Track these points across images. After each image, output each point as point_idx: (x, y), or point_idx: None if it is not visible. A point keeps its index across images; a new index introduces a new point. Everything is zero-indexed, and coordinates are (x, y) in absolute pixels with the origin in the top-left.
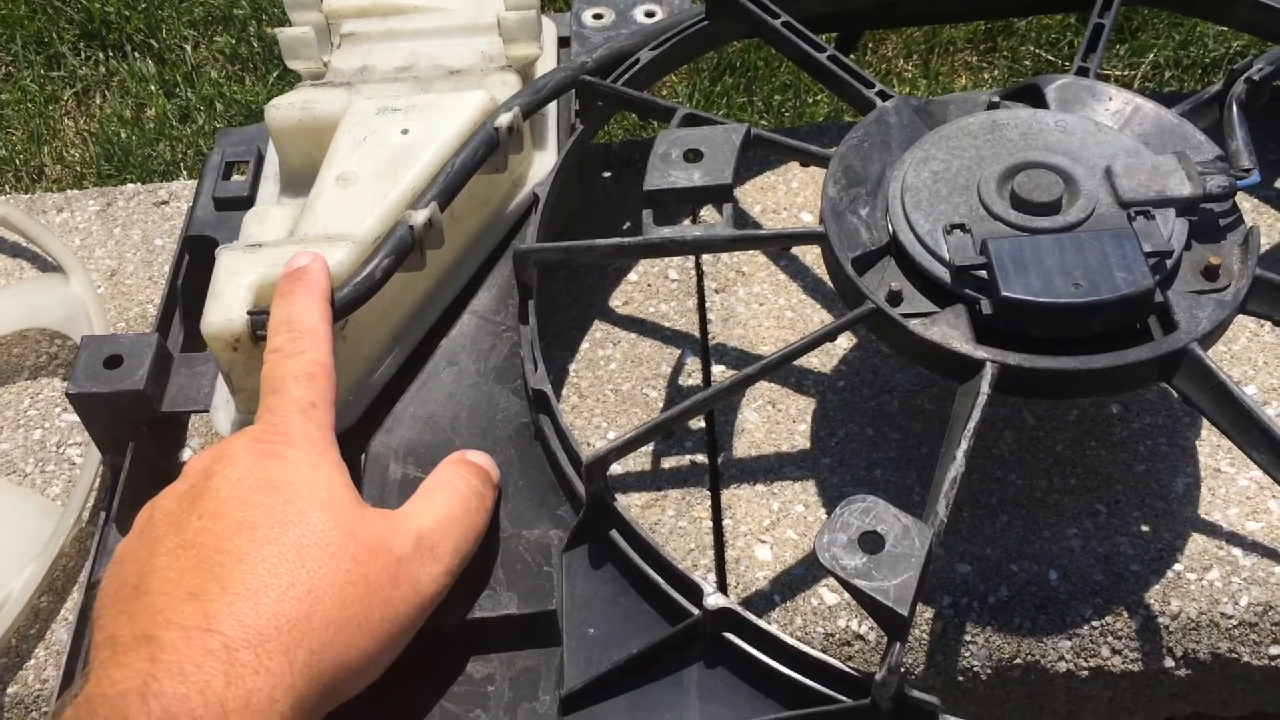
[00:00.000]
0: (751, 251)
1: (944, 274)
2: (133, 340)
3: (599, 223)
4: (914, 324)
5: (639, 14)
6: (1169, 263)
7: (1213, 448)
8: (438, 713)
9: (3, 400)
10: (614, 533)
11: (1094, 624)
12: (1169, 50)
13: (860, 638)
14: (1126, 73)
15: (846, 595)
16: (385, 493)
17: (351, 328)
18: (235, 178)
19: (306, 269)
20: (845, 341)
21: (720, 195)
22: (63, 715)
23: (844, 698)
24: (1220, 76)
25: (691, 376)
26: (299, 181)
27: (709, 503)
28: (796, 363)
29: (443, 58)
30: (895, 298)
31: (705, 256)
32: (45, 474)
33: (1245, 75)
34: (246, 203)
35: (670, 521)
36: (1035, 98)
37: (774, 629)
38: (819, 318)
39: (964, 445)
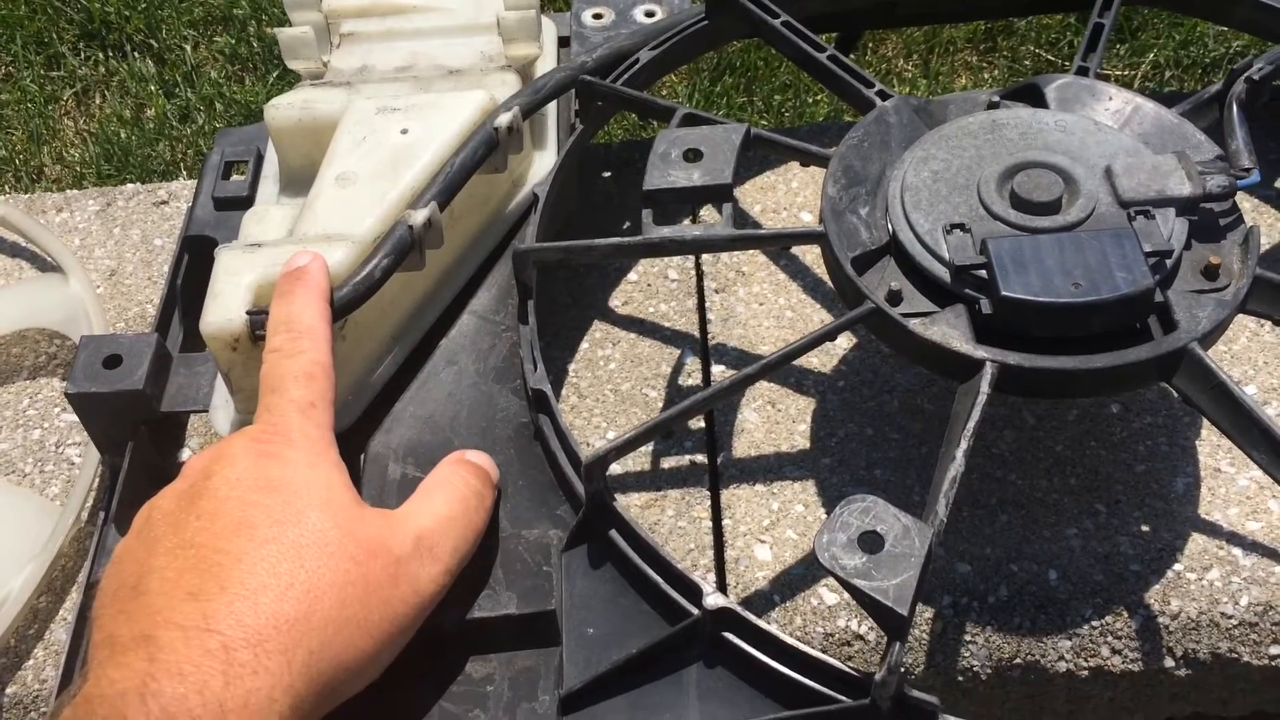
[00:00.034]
0: (751, 251)
1: (944, 274)
2: (132, 340)
3: (599, 222)
4: (914, 324)
5: (639, 14)
6: (1169, 262)
7: (1213, 447)
8: (437, 712)
9: (2, 400)
10: (613, 532)
11: (1094, 624)
12: (1169, 50)
13: (860, 638)
14: (1127, 72)
15: (846, 595)
16: (384, 492)
17: (351, 327)
18: (235, 177)
19: (306, 269)
20: (845, 341)
21: (720, 195)
22: (61, 715)
23: (844, 698)
24: (1220, 76)
25: (691, 376)
26: (298, 181)
27: (708, 502)
28: (796, 362)
29: (442, 57)
30: (895, 297)
31: (705, 256)
32: (44, 474)
33: (1245, 75)
34: (246, 203)
35: (670, 521)
36: (1035, 97)
37: (773, 629)
38: (819, 317)
39: (964, 445)
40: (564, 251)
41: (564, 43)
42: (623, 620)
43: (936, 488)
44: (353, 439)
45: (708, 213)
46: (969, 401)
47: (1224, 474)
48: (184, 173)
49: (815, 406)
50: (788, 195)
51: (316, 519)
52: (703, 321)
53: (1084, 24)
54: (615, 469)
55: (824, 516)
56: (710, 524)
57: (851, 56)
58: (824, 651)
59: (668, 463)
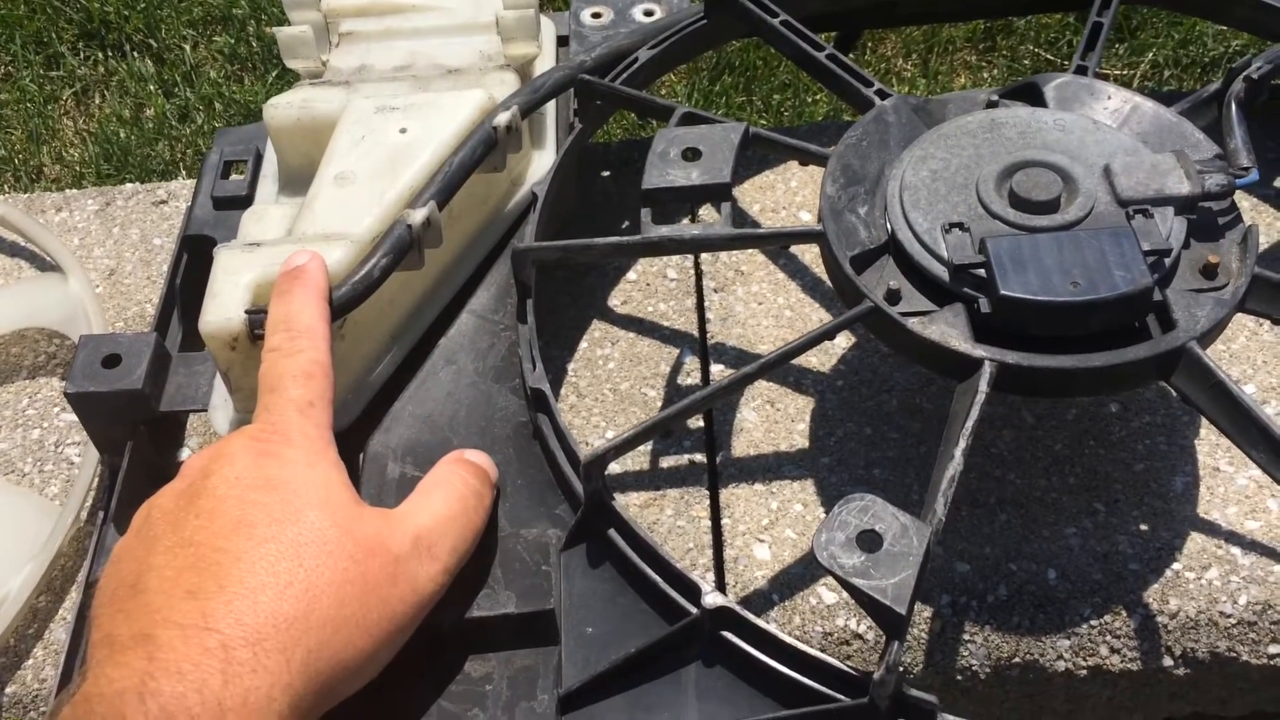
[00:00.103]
0: (750, 250)
1: (942, 273)
2: (131, 339)
3: (598, 222)
4: (912, 323)
5: (638, 13)
6: (1167, 261)
7: (1211, 446)
8: (435, 712)
9: (1, 399)
10: (612, 532)
11: (1093, 623)
12: (1168, 49)
13: (859, 636)
14: (1126, 72)
15: (845, 594)
16: (383, 492)
17: (350, 327)
18: (234, 177)
19: (304, 268)
20: (844, 340)
21: (719, 194)
22: (60, 714)
23: (842, 697)
24: (1219, 75)
25: (690, 375)
26: (297, 181)
27: (707, 502)
28: (795, 362)
29: (441, 57)
30: (894, 296)
31: (704, 255)
32: (44, 473)
33: (1244, 74)
34: (245, 202)
35: (669, 520)
36: (1034, 96)
37: (772, 628)
38: (817, 317)
39: (962, 444)
40: (563, 251)
41: (563, 42)
42: (621, 619)
43: (935, 487)
44: (351, 438)
45: (707, 212)
46: (967, 400)
47: (1223, 473)
48: (183, 172)
49: (814, 406)
50: (786, 194)
51: (315, 518)
52: (702, 321)
53: (1083, 23)
54: (614, 468)
55: (823, 516)
56: (709, 523)
57: (851, 56)
58: (823, 650)
59: (667, 462)
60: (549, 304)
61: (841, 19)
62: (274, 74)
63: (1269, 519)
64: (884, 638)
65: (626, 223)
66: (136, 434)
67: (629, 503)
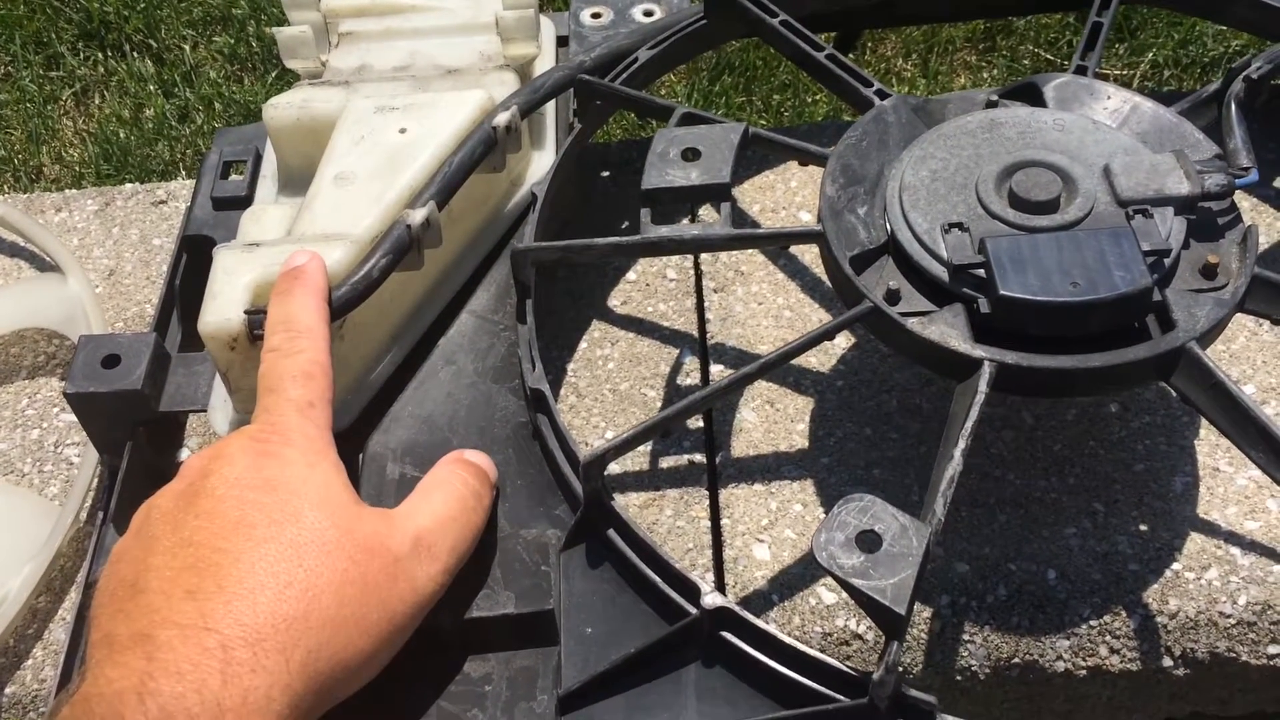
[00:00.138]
0: (750, 251)
1: (942, 273)
2: (130, 340)
3: (597, 222)
4: (912, 323)
5: (637, 13)
6: (1167, 261)
7: (1211, 447)
8: (435, 712)
9: (1, 400)
10: (612, 532)
11: (1092, 623)
12: (1168, 49)
13: (858, 637)
14: (1126, 72)
15: (844, 594)
16: (383, 492)
17: (349, 327)
18: (233, 177)
19: (304, 268)
20: (843, 341)
21: (718, 194)
22: (59, 714)
23: (842, 697)
24: (1219, 75)
25: (690, 376)
26: (297, 181)
27: (707, 502)
28: (795, 362)
29: (441, 57)
30: (893, 296)
31: (704, 256)
32: (43, 474)
33: (1244, 74)
34: (244, 202)
35: (668, 521)
36: (1034, 96)
37: (772, 628)
38: (817, 317)
39: (962, 444)
40: (562, 251)
41: (562, 42)
42: (621, 620)
43: (934, 487)
44: (351, 439)
45: (706, 212)
46: (967, 401)
47: (1222, 473)
48: (183, 172)
49: (814, 406)
50: (786, 194)
51: (314, 518)
52: (701, 321)
53: (1083, 23)
54: (614, 468)
55: (822, 516)
56: (709, 523)
57: (850, 56)
58: (822, 651)
59: (666, 462)
60: (548, 304)
61: (841, 19)
62: (274, 74)
63: (1269, 519)
64: (883, 638)
65: (626, 223)
66: (136, 434)
67: (628, 503)
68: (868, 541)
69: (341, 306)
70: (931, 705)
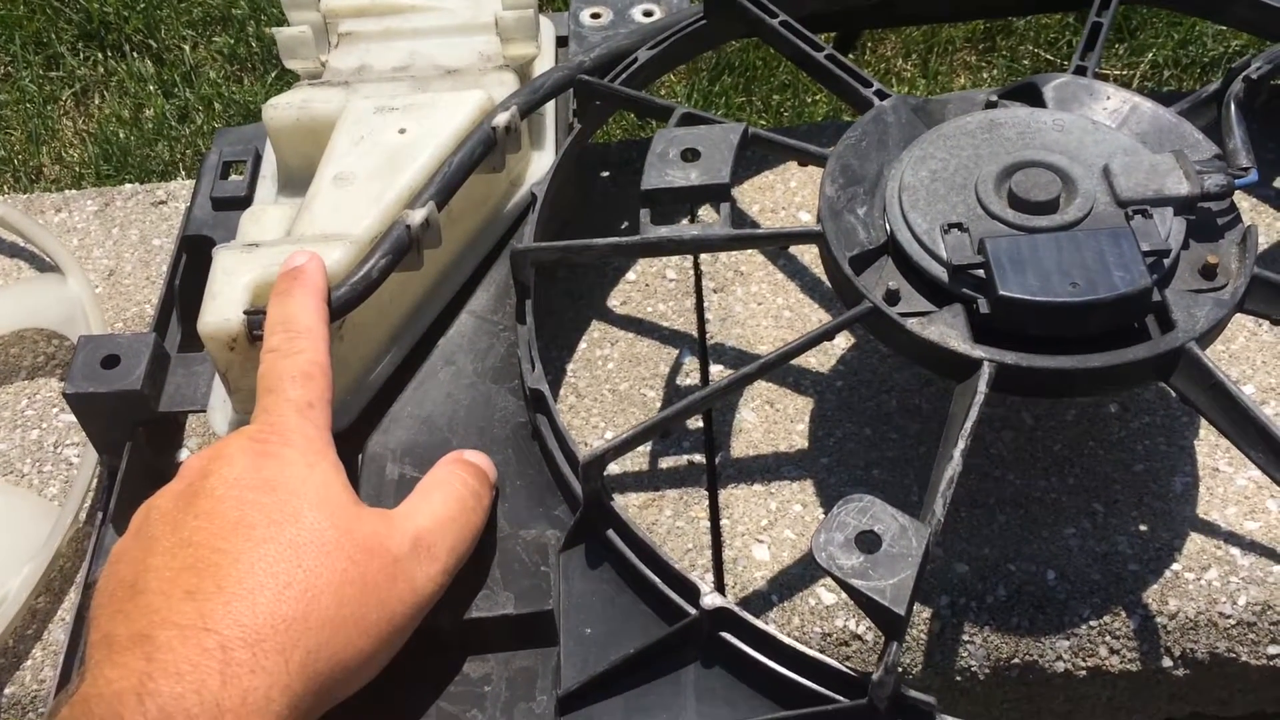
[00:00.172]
0: (749, 251)
1: (941, 273)
2: (130, 340)
3: (597, 222)
4: (911, 323)
5: (637, 13)
6: (1166, 262)
7: (1211, 447)
8: (434, 713)
9: (0, 400)
10: (611, 532)
11: (1092, 624)
12: (1168, 49)
13: (858, 637)
14: (1125, 72)
15: (844, 595)
16: (382, 493)
17: (349, 327)
18: (233, 177)
19: (303, 268)
20: (843, 341)
21: (718, 194)
22: (59, 715)
23: (841, 698)
24: (1219, 75)
25: (689, 376)
26: (296, 181)
27: (706, 502)
28: (794, 362)
29: (440, 57)
30: (893, 297)
31: (703, 256)
32: (42, 474)
33: (1243, 74)
34: (244, 202)
35: (668, 521)
36: (1033, 97)
37: (771, 629)
38: (817, 317)
39: (961, 445)
40: (562, 251)
41: (562, 42)
42: (620, 620)
43: (934, 487)
44: (350, 439)
45: (706, 212)
46: (966, 401)
47: (1222, 473)
48: (182, 173)
49: (813, 406)
50: (786, 195)
51: (314, 518)
52: (701, 321)
53: (1082, 23)
54: (613, 469)
55: (822, 516)
56: (708, 524)
57: (850, 56)
58: (822, 651)
59: (666, 463)
60: (548, 304)
61: (841, 19)
62: (273, 74)
63: (1268, 519)
64: (883, 639)
65: (626, 223)
66: (135, 435)
67: (628, 503)
68: (867, 542)
69: (341, 307)
70: (931, 706)
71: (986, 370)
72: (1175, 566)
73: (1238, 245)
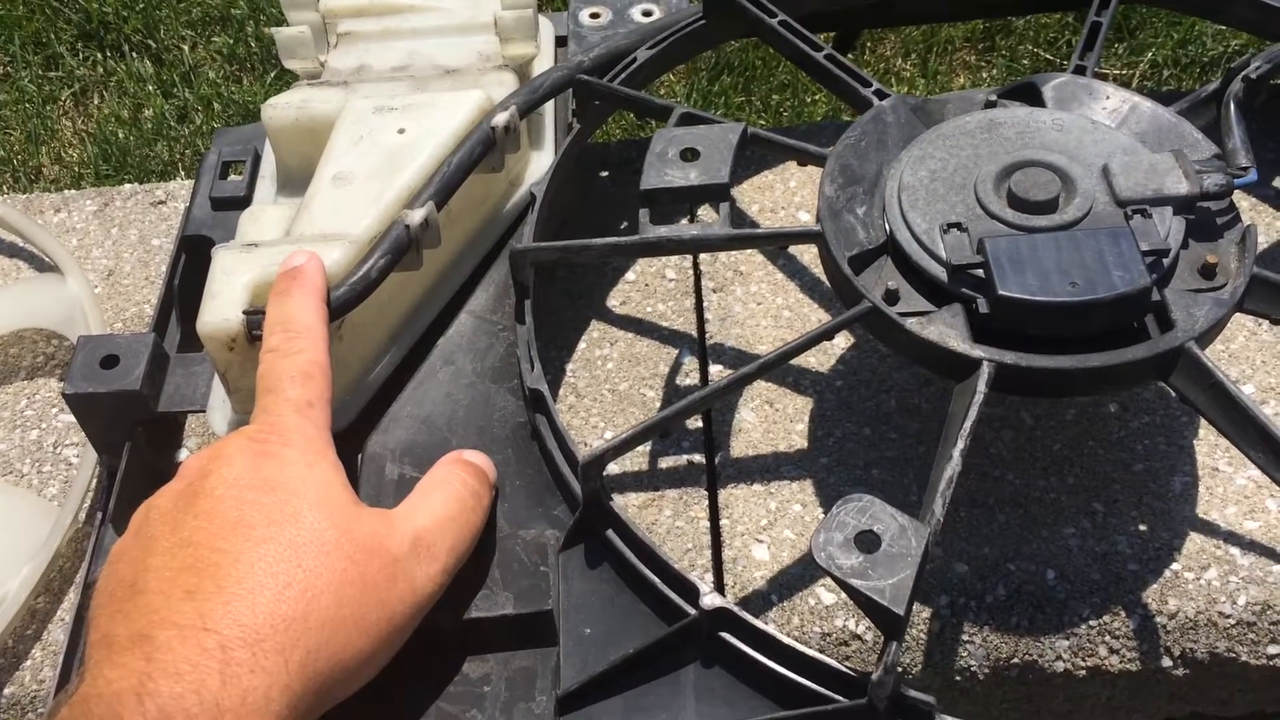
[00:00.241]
0: (749, 251)
1: (941, 273)
2: (129, 340)
3: (596, 222)
4: (911, 323)
5: (636, 13)
6: (1166, 261)
7: (1210, 447)
8: (434, 713)
9: (0, 400)
10: (610, 532)
11: (1091, 623)
12: (1167, 49)
13: (857, 637)
14: (1125, 72)
15: (843, 595)
16: (381, 493)
17: (348, 327)
18: (232, 177)
19: (302, 268)
20: (842, 341)
21: (717, 194)
22: (58, 715)
23: (841, 697)
24: (1218, 75)
25: (689, 376)
26: (296, 181)
27: (706, 502)
28: (794, 362)
29: (439, 57)
30: (892, 296)
31: (703, 256)
32: (42, 474)
33: (1243, 74)
34: (243, 202)
35: (667, 521)
36: (1032, 96)
37: (771, 629)
38: (816, 317)
39: (961, 444)
40: (561, 251)
41: (561, 42)
42: (620, 620)
43: (933, 487)
44: (350, 439)
45: (705, 212)
46: (966, 401)
47: (1222, 473)
48: (182, 173)
49: (813, 406)
50: (785, 194)
51: (313, 518)
52: (700, 321)
53: (1082, 23)
54: (612, 469)
55: (821, 516)
56: (708, 524)
57: (849, 56)
58: (821, 651)
59: (665, 462)
60: (547, 304)
61: (840, 19)
62: (272, 74)
63: (1268, 519)
64: (882, 638)
65: (625, 223)
66: (134, 435)
67: (627, 503)
68: (866, 542)
69: (340, 307)
70: (930, 705)
71: (986, 370)
72: (1175, 566)
73: (1237, 245)
